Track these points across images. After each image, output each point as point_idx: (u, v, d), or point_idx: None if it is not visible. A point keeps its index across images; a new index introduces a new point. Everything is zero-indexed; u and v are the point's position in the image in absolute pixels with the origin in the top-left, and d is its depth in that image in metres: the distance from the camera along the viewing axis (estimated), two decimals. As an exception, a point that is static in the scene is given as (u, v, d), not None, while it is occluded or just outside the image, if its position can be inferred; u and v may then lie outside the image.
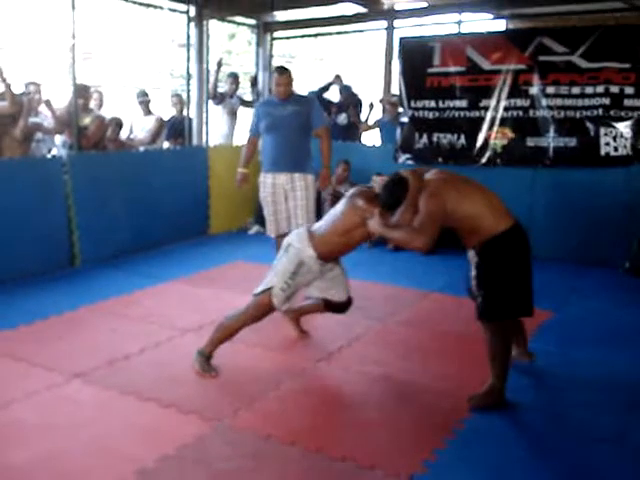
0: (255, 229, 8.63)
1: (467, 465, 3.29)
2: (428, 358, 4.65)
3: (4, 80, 6.52)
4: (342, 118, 9.50)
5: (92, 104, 8.00)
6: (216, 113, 9.18)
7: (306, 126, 5.96)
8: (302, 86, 11.11)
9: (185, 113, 8.73)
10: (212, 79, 8.92)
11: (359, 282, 6.22)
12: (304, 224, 5.62)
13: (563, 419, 3.80)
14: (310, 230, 4.38)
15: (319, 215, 6.21)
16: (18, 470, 3.14)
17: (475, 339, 4.85)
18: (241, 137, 9.77)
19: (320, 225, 4.37)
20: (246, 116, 9.86)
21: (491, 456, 3.37)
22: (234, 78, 9.38)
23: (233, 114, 9.38)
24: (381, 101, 9.75)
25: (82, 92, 7.43)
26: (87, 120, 7.48)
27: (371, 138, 10.06)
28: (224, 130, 9.31)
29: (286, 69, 5.97)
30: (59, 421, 3.63)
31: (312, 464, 3.26)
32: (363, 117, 9.72)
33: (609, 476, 3.25)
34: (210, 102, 8.95)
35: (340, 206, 4.25)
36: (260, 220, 8.56)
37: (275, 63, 9.76)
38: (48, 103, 7.07)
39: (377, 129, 9.64)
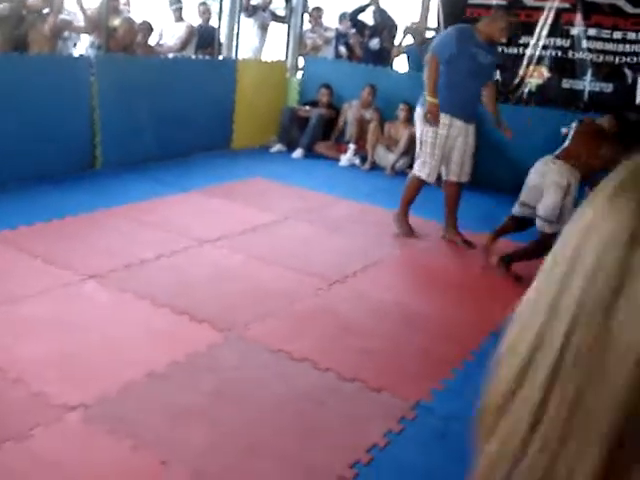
0: (277, 147, 8.54)
1: (474, 395, 3.30)
2: (444, 288, 4.64)
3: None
4: (375, 43, 9.31)
5: (121, 6, 7.85)
6: (247, 26, 9.00)
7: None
8: (337, 5, 10.83)
9: (213, 23, 8.55)
10: None
11: (379, 208, 6.20)
12: (460, 171, 5.57)
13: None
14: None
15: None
16: (29, 364, 3.16)
17: (494, 275, 4.84)
18: (270, 52, 9.63)
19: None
20: (277, 31, 9.70)
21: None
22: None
23: (264, 28, 9.20)
24: (405, 31, 9.46)
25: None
26: (117, 22, 7.35)
27: (401, 64, 9.85)
28: (254, 44, 9.15)
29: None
30: (72, 319, 3.66)
31: (320, 381, 3.28)
32: (397, 42, 9.50)
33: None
34: (242, 14, 8.76)
35: None
36: (283, 139, 8.50)
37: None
38: (79, 1, 6.93)
39: (405, 55, 9.44)
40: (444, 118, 5.37)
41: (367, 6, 9.49)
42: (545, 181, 4.78)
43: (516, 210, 5.07)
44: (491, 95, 5.65)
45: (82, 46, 7.76)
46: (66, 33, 7.18)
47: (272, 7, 9.53)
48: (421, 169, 5.54)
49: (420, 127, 5.54)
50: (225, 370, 3.29)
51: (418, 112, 5.58)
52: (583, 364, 0.45)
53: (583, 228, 0.48)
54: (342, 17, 9.72)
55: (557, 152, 4.97)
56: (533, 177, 4.91)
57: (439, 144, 5.41)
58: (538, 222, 4.82)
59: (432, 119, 5.33)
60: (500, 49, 7.60)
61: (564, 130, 6.40)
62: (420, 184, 5.59)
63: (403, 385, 3.31)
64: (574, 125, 5.47)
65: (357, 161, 8.07)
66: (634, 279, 0.43)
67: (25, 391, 2.95)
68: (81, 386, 3.02)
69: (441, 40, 5.50)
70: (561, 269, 0.48)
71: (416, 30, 9.06)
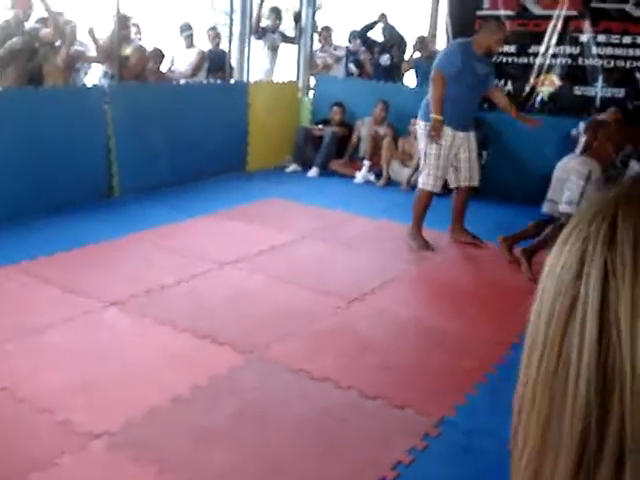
0: (293, 167, 8.58)
1: (498, 409, 3.29)
2: (462, 303, 4.63)
3: (47, 7, 6.50)
4: (385, 59, 9.34)
5: (133, 35, 7.96)
6: (257, 48, 9.08)
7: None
8: (346, 23, 10.91)
9: (224, 47, 8.64)
10: (255, 13, 8.79)
11: (395, 224, 6.20)
12: (470, 176, 5.76)
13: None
14: None
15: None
16: (54, 393, 3.20)
17: (511, 286, 4.83)
18: (281, 73, 9.70)
19: None
20: (287, 52, 9.77)
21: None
22: (277, 13, 9.24)
23: (274, 50, 9.27)
24: (414, 46, 9.49)
25: (123, 22, 7.39)
26: (128, 50, 7.45)
27: (411, 78, 9.89)
28: (265, 66, 9.22)
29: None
30: (95, 347, 3.69)
31: (343, 400, 3.29)
32: (407, 57, 9.54)
33: None
34: (252, 37, 8.84)
35: None
36: (298, 159, 8.53)
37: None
38: (91, 32, 7.04)
39: (413, 69, 9.48)
40: (447, 129, 5.48)
41: (375, 23, 9.55)
42: (569, 173, 5.10)
43: (545, 208, 5.27)
44: (500, 97, 5.90)
45: (93, 75, 7.85)
46: (78, 64, 7.28)
47: (281, 28, 9.60)
48: (426, 181, 5.66)
49: (423, 141, 5.65)
50: (247, 392, 3.31)
51: (420, 126, 5.70)
52: (552, 387, 0.50)
53: (545, 269, 0.54)
54: (352, 36, 9.77)
55: (578, 151, 5.29)
56: (557, 173, 5.21)
57: (443, 155, 5.55)
58: (560, 207, 5.08)
59: (436, 136, 5.45)
60: (510, 59, 7.65)
61: (573, 132, 6.46)
62: (429, 196, 5.70)
63: (426, 401, 3.31)
64: (582, 125, 5.77)
65: (372, 177, 8.09)
66: (579, 309, 0.49)
67: (50, 420, 2.98)
68: (105, 413, 3.05)
69: (446, 56, 5.59)
70: (535, 305, 0.55)
71: (422, 43, 9.10)
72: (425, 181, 5.68)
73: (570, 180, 5.03)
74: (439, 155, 5.56)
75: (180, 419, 3.07)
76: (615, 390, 0.46)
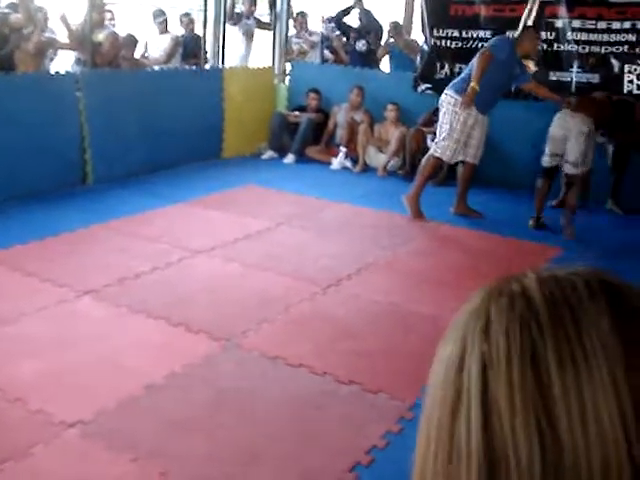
0: (269, 154, 8.54)
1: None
2: (436, 289, 4.65)
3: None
4: (361, 45, 9.32)
5: (106, 21, 7.87)
6: (232, 34, 9.01)
7: None
8: (321, 9, 10.86)
9: (198, 33, 8.57)
10: None
11: (372, 210, 6.21)
12: (475, 153, 6.20)
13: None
14: None
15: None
16: (27, 382, 3.18)
17: (485, 272, 4.85)
18: (257, 59, 9.65)
19: None
20: (262, 38, 9.72)
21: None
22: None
23: (250, 36, 9.22)
24: (389, 32, 9.49)
25: (98, 8, 7.32)
26: (101, 37, 7.36)
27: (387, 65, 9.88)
28: (240, 52, 9.17)
29: None
30: (69, 336, 3.67)
31: (318, 386, 3.29)
32: (383, 43, 9.54)
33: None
34: (227, 23, 8.78)
35: None
36: (274, 145, 8.50)
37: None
38: (63, 17, 6.95)
39: (388, 56, 9.48)
40: (474, 110, 5.94)
41: (351, 8, 9.52)
42: (571, 131, 5.68)
43: (546, 161, 5.92)
44: (537, 86, 6.56)
45: (63, 62, 7.77)
46: (50, 51, 7.19)
47: (257, 14, 9.55)
48: (443, 151, 6.07)
49: (450, 112, 6.01)
50: (222, 379, 3.30)
51: (449, 99, 6.06)
52: (449, 475, 0.53)
53: (437, 358, 0.60)
54: (326, 21, 9.75)
55: (571, 107, 5.87)
56: (557, 130, 5.79)
57: (465, 132, 6.00)
58: (567, 167, 5.82)
59: (468, 102, 5.87)
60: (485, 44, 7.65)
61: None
62: (437, 164, 6.24)
63: (400, 386, 3.32)
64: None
65: (349, 164, 8.07)
66: (463, 400, 0.53)
67: (24, 410, 2.96)
68: (79, 402, 3.03)
69: (501, 43, 6.11)
70: (429, 389, 0.59)
71: (396, 29, 9.09)
72: (443, 151, 6.07)
73: (576, 141, 5.64)
74: (462, 131, 5.99)
75: (155, 407, 3.05)
76: (502, 473, 0.50)
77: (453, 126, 5.98)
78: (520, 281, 0.57)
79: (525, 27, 6.82)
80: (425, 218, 6.07)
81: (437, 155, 6.11)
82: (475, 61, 5.96)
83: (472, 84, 5.83)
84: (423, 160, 6.33)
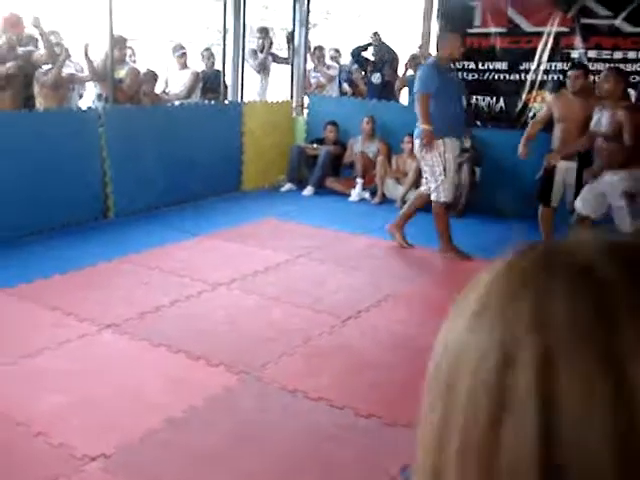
0: (287, 186, 8.62)
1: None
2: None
3: (41, 31, 6.55)
4: (376, 77, 9.41)
5: (127, 57, 8.01)
6: (250, 69, 9.15)
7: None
8: (340, 43, 10.99)
9: (218, 68, 8.70)
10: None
11: (390, 242, 6.22)
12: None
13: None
14: None
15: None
16: (50, 416, 3.21)
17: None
18: (275, 93, 9.76)
19: None
20: (281, 72, 9.84)
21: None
22: (264, 33, 9.31)
23: (266, 70, 9.33)
24: (406, 64, 9.57)
25: (119, 44, 7.46)
26: (122, 73, 7.50)
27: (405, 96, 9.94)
28: (257, 86, 9.29)
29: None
30: (90, 370, 3.70)
31: (337, 419, 3.30)
32: (400, 74, 9.60)
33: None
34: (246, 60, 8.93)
35: None
36: (292, 178, 8.57)
37: (313, 19, 9.66)
38: (86, 49, 7.07)
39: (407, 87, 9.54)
40: (451, 142, 5.84)
41: (369, 45, 9.62)
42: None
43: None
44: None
45: (88, 97, 7.90)
46: (71, 85, 7.34)
47: (275, 48, 9.69)
48: (441, 194, 5.91)
49: (428, 156, 5.86)
50: (242, 412, 3.32)
51: (417, 144, 5.96)
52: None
53: (450, 352, 0.48)
54: (338, 54, 9.87)
55: None
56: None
57: (449, 167, 5.86)
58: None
59: (428, 143, 5.77)
60: (502, 76, 7.71)
61: None
62: (446, 208, 6.04)
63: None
64: None
65: (367, 195, 8.12)
66: (514, 397, 0.43)
67: (46, 443, 2.99)
68: (101, 436, 3.06)
69: (424, 76, 5.91)
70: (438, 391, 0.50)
71: (414, 60, 9.14)
72: (440, 195, 5.92)
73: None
74: (449, 168, 5.87)
75: (176, 440, 3.07)
76: None
77: (436, 168, 5.85)
78: (572, 251, 0.46)
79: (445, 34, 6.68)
80: (470, 257, 5.85)
81: (441, 201, 5.93)
82: (416, 106, 5.95)
83: (423, 127, 5.80)
84: (417, 193, 6.32)
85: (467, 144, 6.77)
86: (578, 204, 5.42)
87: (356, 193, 8.13)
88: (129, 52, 8.19)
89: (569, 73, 6.18)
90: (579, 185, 5.79)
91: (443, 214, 5.99)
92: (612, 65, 6.48)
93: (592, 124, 5.50)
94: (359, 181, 8.15)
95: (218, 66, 8.84)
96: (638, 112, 5.18)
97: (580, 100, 5.89)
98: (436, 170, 5.88)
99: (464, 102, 6.55)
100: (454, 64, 6.55)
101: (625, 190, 4.76)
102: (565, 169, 5.98)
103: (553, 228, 5.99)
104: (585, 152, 5.78)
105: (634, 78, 7.04)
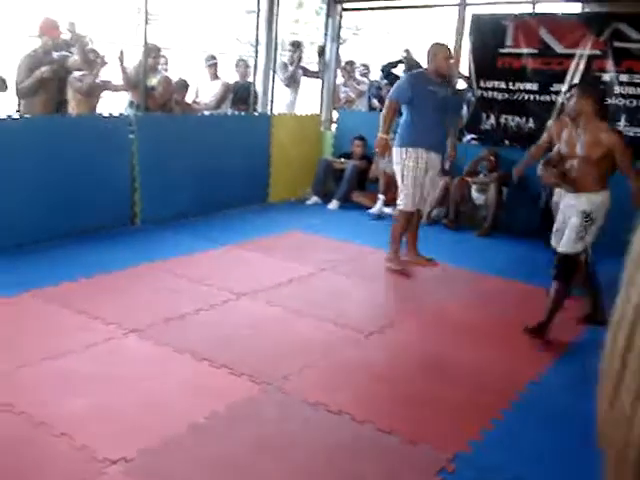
0: (313, 200, 8.64)
1: (513, 446, 3.28)
2: (479, 339, 4.63)
3: (77, 36, 6.64)
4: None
5: (159, 65, 8.08)
6: (279, 81, 9.20)
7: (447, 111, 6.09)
8: (368, 59, 11.02)
9: (250, 79, 8.76)
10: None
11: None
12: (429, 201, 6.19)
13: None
14: None
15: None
16: (73, 417, 3.23)
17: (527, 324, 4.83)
18: (305, 106, 9.81)
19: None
20: (311, 86, 9.88)
21: (537, 440, 3.36)
22: (297, 47, 9.37)
23: (295, 83, 9.38)
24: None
25: (153, 52, 7.53)
26: (154, 81, 7.57)
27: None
28: (287, 99, 9.34)
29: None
30: (115, 373, 3.73)
31: (358, 434, 3.29)
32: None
33: None
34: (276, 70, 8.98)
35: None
36: (318, 191, 8.60)
37: (343, 34, 9.71)
38: (121, 56, 7.15)
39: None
40: (422, 152, 5.89)
41: (399, 62, 9.63)
42: None
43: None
44: (451, 131, 6.29)
45: (114, 103, 7.99)
46: (103, 93, 7.43)
47: (306, 62, 9.73)
48: (405, 202, 5.97)
49: (399, 164, 5.96)
50: (264, 422, 3.32)
51: (394, 151, 6.03)
52: None
53: None
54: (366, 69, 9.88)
55: None
56: None
57: (419, 176, 5.89)
58: None
59: (381, 151, 5.98)
60: (532, 97, 7.69)
61: None
62: (408, 217, 6.02)
63: (441, 437, 3.30)
64: None
65: (389, 210, 8.13)
66: None
67: (69, 445, 3.01)
68: (123, 439, 3.07)
69: (399, 87, 6.01)
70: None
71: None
72: (401, 202, 5.99)
73: None
74: (415, 176, 5.89)
75: (197, 447, 3.08)
76: None
77: (404, 175, 5.92)
78: None
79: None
80: (408, 274, 5.90)
81: (401, 209, 6.01)
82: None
83: (378, 134, 5.92)
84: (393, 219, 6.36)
85: (446, 166, 6.62)
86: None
87: (377, 208, 8.11)
88: (162, 60, 8.26)
89: (567, 96, 5.56)
90: None
91: (401, 222, 6.02)
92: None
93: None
94: (381, 197, 8.14)
95: (250, 77, 8.89)
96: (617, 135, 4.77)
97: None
98: (399, 178, 5.99)
99: (456, 119, 6.46)
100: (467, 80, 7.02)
101: (584, 210, 4.49)
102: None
103: None
104: None
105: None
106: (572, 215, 4.58)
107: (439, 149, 6.02)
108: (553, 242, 4.77)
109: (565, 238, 4.59)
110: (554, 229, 4.80)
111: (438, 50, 5.91)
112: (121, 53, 7.20)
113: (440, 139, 6.04)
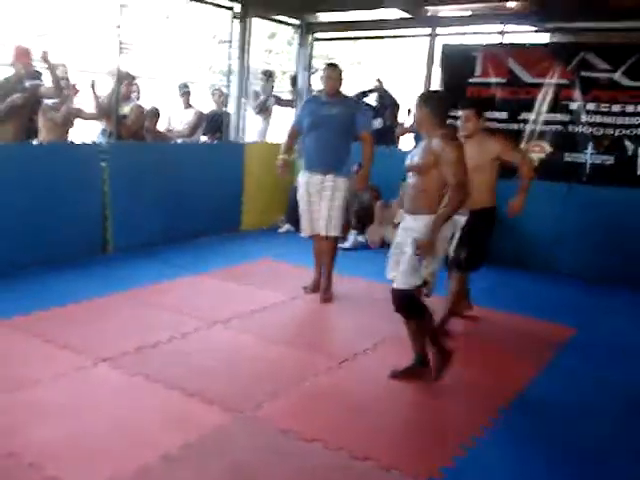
0: (286, 227, 8.67)
1: (484, 473, 3.29)
2: (452, 365, 4.64)
3: (50, 65, 6.62)
4: (378, 122, 9.50)
5: (132, 94, 8.09)
6: (251, 110, 9.25)
7: (348, 129, 5.84)
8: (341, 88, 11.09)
9: (225, 109, 8.80)
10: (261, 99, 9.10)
11: (387, 285, 6.22)
12: (326, 225, 5.83)
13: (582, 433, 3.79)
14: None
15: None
16: (43, 448, 3.19)
17: (499, 349, 4.87)
18: (275, 135, 9.85)
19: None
20: (283, 115, 9.93)
21: (510, 465, 3.37)
22: (268, 76, 9.44)
23: (267, 111, 9.43)
24: (409, 112, 9.66)
25: (127, 80, 7.56)
26: (127, 109, 7.57)
27: (408, 142, 10.01)
28: (258, 127, 9.37)
29: (337, 65, 6.02)
30: (84, 403, 3.69)
31: (332, 462, 3.28)
32: (401, 120, 9.71)
33: None
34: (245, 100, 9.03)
35: None
36: (290, 219, 8.61)
37: (315, 64, 9.81)
38: (92, 85, 7.18)
39: (412, 134, 9.62)
40: (303, 176, 5.99)
41: (371, 91, 9.73)
42: None
43: None
44: (365, 149, 5.96)
45: (84, 131, 7.98)
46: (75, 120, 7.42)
47: (276, 91, 9.79)
48: (303, 228, 6.13)
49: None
50: (236, 452, 3.30)
51: None
52: None
53: None
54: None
55: None
56: None
57: (301, 199, 6.02)
58: None
59: (280, 171, 5.96)
60: (501, 125, 7.78)
61: None
62: (333, 246, 6.03)
63: (414, 463, 3.30)
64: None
65: (362, 239, 8.17)
66: None
67: (39, 475, 2.97)
68: (94, 470, 3.03)
69: (298, 110, 6.17)
70: None
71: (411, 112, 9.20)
72: (303, 227, 6.11)
73: None
74: (299, 200, 6.02)
75: (169, 478, 3.05)
76: None
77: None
78: None
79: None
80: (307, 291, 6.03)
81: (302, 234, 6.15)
82: None
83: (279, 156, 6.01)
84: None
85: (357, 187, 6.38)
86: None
87: (350, 242, 8.12)
88: (134, 88, 8.27)
89: (460, 113, 5.45)
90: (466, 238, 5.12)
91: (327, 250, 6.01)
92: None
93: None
94: (353, 231, 8.18)
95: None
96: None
97: (473, 144, 5.10)
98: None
99: (362, 134, 5.93)
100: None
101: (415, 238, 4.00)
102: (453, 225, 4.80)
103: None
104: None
105: (631, 131, 7.15)
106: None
107: (327, 169, 5.81)
108: None
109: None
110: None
111: (325, 72, 5.95)
112: (92, 82, 7.22)
113: (323, 157, 5.81)
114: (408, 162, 4.23)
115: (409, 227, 4.17)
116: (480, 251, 5.25)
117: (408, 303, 4.23)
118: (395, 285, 4.23)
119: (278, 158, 5.97)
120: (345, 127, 5.83)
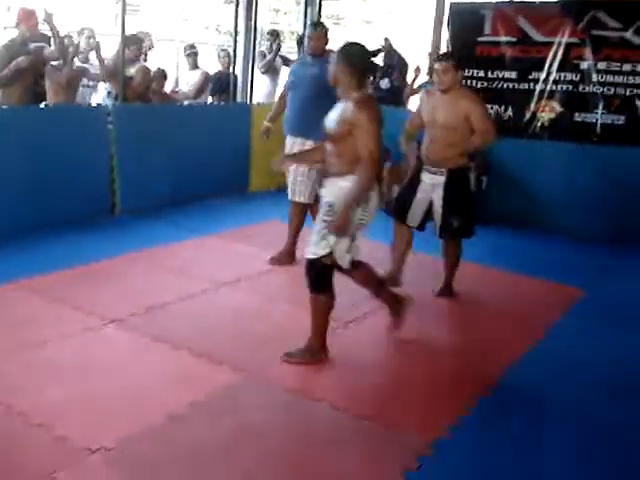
0: (294, 189, 8.63)
1: (490, 433, 3.31)
2: (458, 327, 4.68)
3: (53, 27, 6.58)
4: (385, 83, 9.42)
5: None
6: (258, 71, 9.18)
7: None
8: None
9: (231, 70, 8.73)
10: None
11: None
12: (291, 189, 5.76)
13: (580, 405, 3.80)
14: None
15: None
16: (51, 408, 3.23)
17: (504, 312, 4.88)
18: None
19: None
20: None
21: (515, 426, 3.39)
22: (274, 36, 9.35)
23: (274, 72, 9.36)
24: (416, 70, 9.52)
25: (136, 42, 7.51)
26: (133, 70, 7.52)
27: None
28: (266, 88, 9.31)
29: (320, 23, 5.90)
30: (93, 363, 3.73)
31: (339, 421, 3.31)
32: (409, 80, 9.60)
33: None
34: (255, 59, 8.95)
35: None
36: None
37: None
38: (97, 48, 7.14)
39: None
40: (286, 140, 5.89)
41: (379, 51, 9.60)
42: None
43: None
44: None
45: (99, 93, 7.95)
46: (83, 81, 7.38)
47: (284, 51, 9.71)
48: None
49: None
50: (244, 411, 3.33)
51: None
52: None
53: None
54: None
55: None
56: None
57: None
58: None
59: (264, 138, 6.15)
60: (511, 85, 7.71)
61: None
62: (300, 209, 6.00)
63: (420, 422, 3.33)
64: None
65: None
66: None
67: (48, 435, 3.00)
68: (102, 429, 3.07)
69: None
70: None
71: (418, 71, 9.06)
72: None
73: None
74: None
75: (176, 436, 3.09)
76: None
77: None
78: None
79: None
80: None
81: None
82: None
83: None
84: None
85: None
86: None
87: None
88: (145, 47, 8.20)
89: (436, 66, 4.96)
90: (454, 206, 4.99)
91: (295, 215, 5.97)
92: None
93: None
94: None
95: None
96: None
97: (449, 100, 4.87)
98: None
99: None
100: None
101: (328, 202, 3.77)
102: (431, 185, 5.06)
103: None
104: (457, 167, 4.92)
105: (644, 90, 7.09)
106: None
107: (303, 133, 5.60)
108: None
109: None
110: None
111: (314, 32, 5.67)
112: (97, 44, 7.17)
113: (299, 121, 5.65)
114: (325, 126, 3.84)
115: (325, 192, 3.88)
116: (473, 216, 5.13)
117: (315, 275, 3.93)
118: (305, 255, 3.98)
119: (263, 124, 6.06)
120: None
